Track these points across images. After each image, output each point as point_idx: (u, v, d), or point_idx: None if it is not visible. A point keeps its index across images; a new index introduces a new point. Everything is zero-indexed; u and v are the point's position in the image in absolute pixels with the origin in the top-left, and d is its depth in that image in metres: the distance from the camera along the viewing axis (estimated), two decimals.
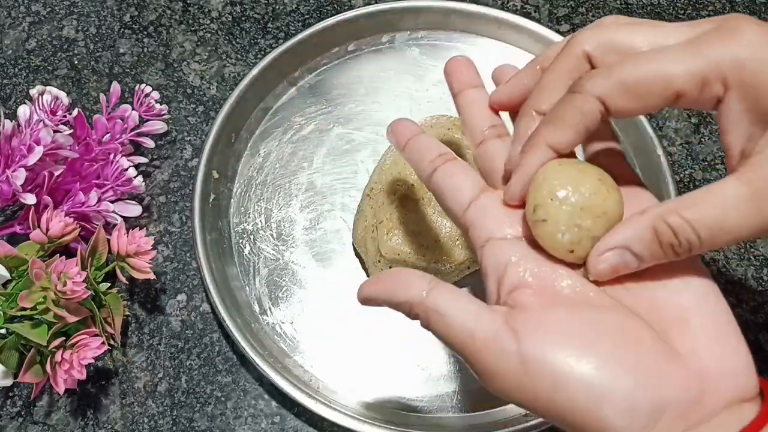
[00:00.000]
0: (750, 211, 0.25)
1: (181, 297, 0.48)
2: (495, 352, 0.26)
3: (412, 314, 0.28)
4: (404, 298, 0.28)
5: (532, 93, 0.31)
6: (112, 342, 0.46)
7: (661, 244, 0.26)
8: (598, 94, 0.27)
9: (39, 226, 0.43)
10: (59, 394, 0.45)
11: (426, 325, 0.28)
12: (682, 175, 0.53)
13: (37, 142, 0.43)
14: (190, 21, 0.59)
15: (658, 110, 0.27)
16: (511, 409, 0.44)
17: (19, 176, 0.42)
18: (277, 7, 0.60)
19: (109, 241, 0.44)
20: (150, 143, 0.51)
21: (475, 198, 0.30)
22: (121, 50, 0.58)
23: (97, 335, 0.41)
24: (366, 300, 0.30)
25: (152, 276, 0.44)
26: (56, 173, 0.45)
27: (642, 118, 0.52)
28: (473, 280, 0.48)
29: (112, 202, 0.47)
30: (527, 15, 0.60)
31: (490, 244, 0.29)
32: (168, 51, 0.58)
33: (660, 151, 0.50)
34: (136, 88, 0.51)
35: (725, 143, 0.27)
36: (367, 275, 0.48)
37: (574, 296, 0.27)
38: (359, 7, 0.58)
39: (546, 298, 0.27)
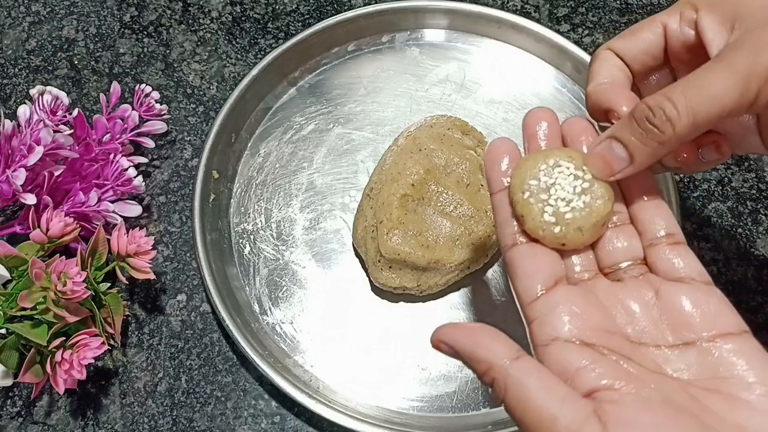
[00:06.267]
0: (725, 73, 0.27)
1: (181, 297, 0.48)
2: None
3: (487, 376, 0.26)
4: (486, 357, 0.26)
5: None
6: (112, 342, 0.46)
7: (638, 123, 0.28)
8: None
9: (39, 226, 0.43)
10: (59, 394, 0.45)
11: (500, 394, 0.26)
12: (682, 175, 0.53)
13: (37, 142, 0.43)
14: (190, 21, 0.59)
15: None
16: None
17: (19, 176, 0.42)
18: (277, 7, 0.60)
19: (109, 241, 0.44)
20: (150, 143, 0.51)
21: (548, 289, 0.28)
22: (121, 50, 0.58)
23: (97, 335, 0.41)
24: (440, 343, 0.28)
25: (152, 276, 0.44)
26: (56, 173, 0.45)
27: None
28: (473, 280, 0.48)
29: (112, 202, 0.47)
30: (527, 15, 0.60)
31: (555, 345, 0.27)
32: (168, 51, 0.58)
33: None
34: (136, 88, 0.52)
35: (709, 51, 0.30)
36: (367, 275, 0.48)
37: (659, 399, 0.26)
38: (359, 7, 0.58)
39: (632, 398, 0.25)
